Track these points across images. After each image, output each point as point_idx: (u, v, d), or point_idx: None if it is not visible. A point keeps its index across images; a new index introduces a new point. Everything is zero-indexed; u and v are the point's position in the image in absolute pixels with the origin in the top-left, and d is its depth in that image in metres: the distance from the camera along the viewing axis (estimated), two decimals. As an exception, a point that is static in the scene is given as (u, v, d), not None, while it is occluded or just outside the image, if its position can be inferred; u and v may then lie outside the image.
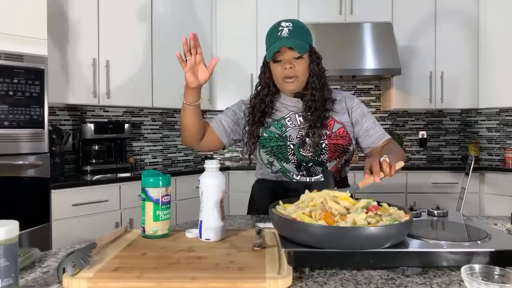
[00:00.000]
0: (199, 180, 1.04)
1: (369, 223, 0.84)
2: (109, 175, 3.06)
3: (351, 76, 3.73)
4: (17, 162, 2.36)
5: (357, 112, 1.48)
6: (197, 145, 1.44)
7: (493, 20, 3.71)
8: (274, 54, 1.38)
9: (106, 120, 3.44)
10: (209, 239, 1.01)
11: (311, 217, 0.88)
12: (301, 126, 1.44)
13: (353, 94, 4.15)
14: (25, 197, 2.40)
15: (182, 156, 4.07)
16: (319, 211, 0.88)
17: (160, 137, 3.89)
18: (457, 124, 4.18)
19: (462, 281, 0.74)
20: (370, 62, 3.59)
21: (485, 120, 4.11)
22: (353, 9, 3.77)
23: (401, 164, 1.09)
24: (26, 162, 2.40)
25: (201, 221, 1.03)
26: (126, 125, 3.33)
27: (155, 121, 3.84)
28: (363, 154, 1.52)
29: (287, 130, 1.44)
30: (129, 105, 3.35)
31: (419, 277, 0.81)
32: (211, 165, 1.03)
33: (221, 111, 1.60)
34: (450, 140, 4.19)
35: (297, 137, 1.43)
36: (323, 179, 1.36)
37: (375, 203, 0.94)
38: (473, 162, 1.48)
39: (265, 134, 1.45)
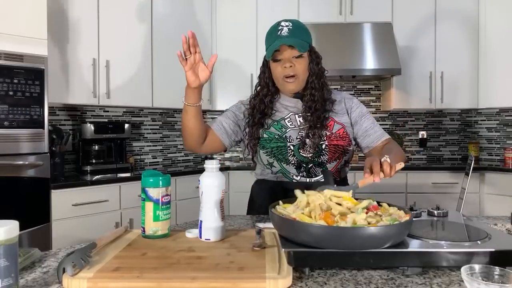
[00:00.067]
0: (199, 180, 1.04)
1: (369, 223, 0.84)
2: (109, 175, 3.06)
3: (351, 76, 3.72)
4: (17, 162, 2.36)
5: (356, 113, 1.48)
6: (199, 149, 1.43)
7: (493, 20, 3.71)
8: (274, 53, 1.38)
9: (106, 120, 3.44)
10: (209, 239, 1.01)
11: (311, 217, 0.88)
12: (301, 127, 1.44)
13: (353, 94, 4.16)
14: (25, 197, 2.40)
15: (182, 156, 4.07)
16: (319, 211, 0.88)
17: (160, 137, 3.89)
18: (457, 124, 4.18)
19: (462, 281, 0.74)
20: (370, 62, 3.59)
21: (485, 120, 4.11)
22: (353, 9, 3.77)
23: (401, 165, 1.09)
24: (26, 162, 2.40)
25: (201, 221, 1.03)
26: (126, 125, 3.33)
27: (155, 121, 3.84)
28: (363, 154, 1.52)
29: (287, 131, 1.44)
30: (129, 105, 3.35)
31: (419, 277, 0.81)
32: (211, 165, 1.03)
33: (221, 111, 1.60)
34: (450, 140, 4.19)
35: (297, 138, 1.43)
36: (323, 179, 1.36)
37: (375, 203, 0.94)
38: (473, 162, 1.48)
39: (265, 135, 1.45)
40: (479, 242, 0.85)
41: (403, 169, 1.13)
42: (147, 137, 3.78)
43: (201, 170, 1.06)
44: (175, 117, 3.98)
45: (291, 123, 1.45)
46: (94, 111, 3.38)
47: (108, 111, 3.47)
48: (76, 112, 3.27)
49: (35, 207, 2.44)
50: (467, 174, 1.45)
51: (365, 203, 0.91)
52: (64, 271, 0.76)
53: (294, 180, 1.44)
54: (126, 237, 1.04)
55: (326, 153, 1.42)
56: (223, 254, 0.90)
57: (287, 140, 1.43)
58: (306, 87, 1.44)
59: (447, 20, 3.77)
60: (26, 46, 2.39)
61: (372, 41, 3.67)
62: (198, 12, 3.73)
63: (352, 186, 1.05)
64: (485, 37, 3.76)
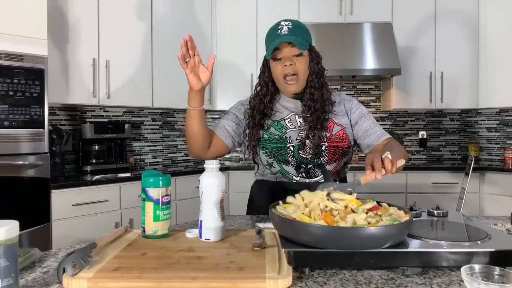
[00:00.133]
0: (199, 180, 1.04)
1: (369, 223, 0.84)
2: (109, 175, 3.06)
3: (351, 76, 3.73)
4: (17, 162, 2.36)
5: (356, 114, 1.47)
6: (204, 154, 1.40)
7: (493, 20, 3.71)
8: (274, 52, 1.38)
9: (106, 120, 3.44)
10: (209, 239, 1.01)
11: (310, 217, 0.88)
12: (301, 128, 1.44)
13: (353, 94, 4.16)
14: (25, 197, 2.40)
15: (182, 156, 4.07)
16: (318, 211, 0.88)
17: (160, 137, 3.89)
18: (457, 124, 4.18)
19: (462, 281, 0.74)
20: (370, 62, 3.59)
21: (485, 120, 4.11)
22: (353, 9, 3.77)
23: (402, 161, 1.08)
24: (26, 162, 2.40)
25: (201, 221, 1.03)
26: (126, 125, 3.33)
27: (155, 121, 3.84)
28: (363, 154, 1.52)
29: (287, 131, 1.44)
30: (129, 105, 3.35)
31: (419, 277, 0.81)
32: (211, 165, 1.03)
33: (221, 111, 1.60)
34: (450, 140, 4.19)
35: (297, 139, 1.42)
36: (322, 180, 1.36)
37: (375, 203, 0.94)
38: (473, 162, 1.48)
39: (265, 136, 1.44)
40: (479, 242, 0.85)
41: (403, 169, 1.12)
42: (147, 137, 3.78)
43: (201, 170, 1.06)
44: (175, 117, 3.98)
45: (291, 123, 1.45)
46: (94, 111, 3.38)
47: (108, 111, 3.47)
48: (76, 112, 3.27)
49: (35, 207, 2.44)
50: (467, 174, 1.45)
51: (369, 204, 0.91)
52: (64, 271, 0.76)
53: (293, 181, 1.44)
54: (126, 237, 1.04)
55: (325, 155, 1.41)
56: (223, 254, 0.90)
57: (287, 141, 1.42)
58: (306, 87, 1.44)
59: (447, 20, 3.77)
60: (26, 46, 2.39)
61: (372, 41, 3.67)
62: (198, 12, 3.73)
63: (354, 183, 1.03)
64: (485, 37, 3.76)
